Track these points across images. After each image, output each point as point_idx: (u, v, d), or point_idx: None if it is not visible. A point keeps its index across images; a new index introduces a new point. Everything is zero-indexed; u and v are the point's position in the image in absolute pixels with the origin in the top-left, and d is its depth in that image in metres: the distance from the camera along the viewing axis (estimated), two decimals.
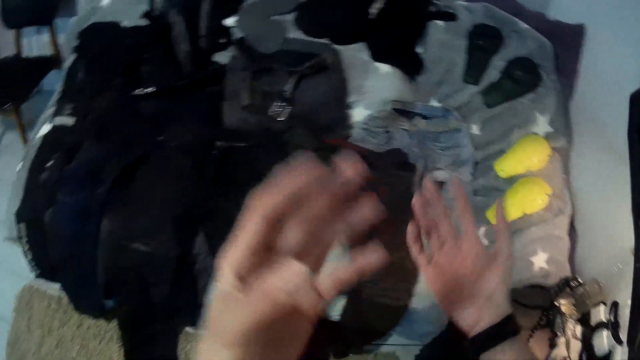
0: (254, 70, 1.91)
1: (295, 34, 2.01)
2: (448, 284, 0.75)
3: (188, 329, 2.04)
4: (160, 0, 2.10)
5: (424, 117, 1.91)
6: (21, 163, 1.96)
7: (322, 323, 1.87)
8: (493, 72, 1.95)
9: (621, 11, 1.74)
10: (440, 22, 2.03)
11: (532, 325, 1.42)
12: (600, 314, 1.46)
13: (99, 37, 2.17)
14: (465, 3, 2.12)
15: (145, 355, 1.84)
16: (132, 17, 2.16)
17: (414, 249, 0.80)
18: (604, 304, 1.48)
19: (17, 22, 2.71)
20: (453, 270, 0.74)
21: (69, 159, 1.84)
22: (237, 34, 2.03)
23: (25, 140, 2.60)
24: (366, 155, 1.80)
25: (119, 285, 1.74)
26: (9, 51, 2.77)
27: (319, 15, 2.01)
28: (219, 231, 1.69)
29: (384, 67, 1.94)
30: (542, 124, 1.87)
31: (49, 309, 2.25)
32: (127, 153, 1.82)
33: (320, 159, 1.61)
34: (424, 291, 1.69)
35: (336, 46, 1.97)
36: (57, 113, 2.00)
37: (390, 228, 1.73)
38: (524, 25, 2.00)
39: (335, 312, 1.82)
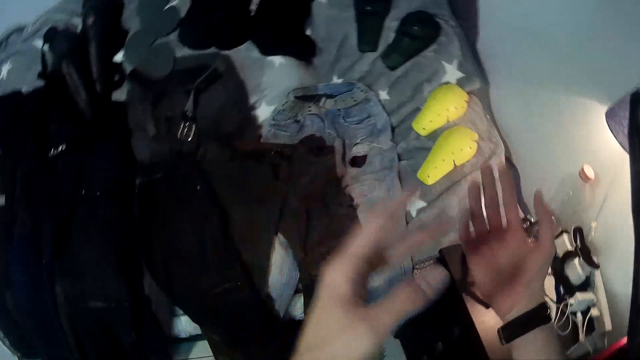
0: (153, 99, 1.86)
1: (182, 51, 1.96)
2: (490, 271, 0.76)
3: None
4: (50, 57, 2.06)
5: (329, 96, 1.85)
6: None
7: (288, 324, 1.78)
8: (389, 34, 1.88)
9: None
10: None
11: None
12: (565, 243, 1.42)
13: (5, 111, 2.13)
14: None
15: None
16: (29, 81, 2.10)
17: (462, 234, 0.79)
18: (566, 232, 1.43)
19: None
20: (496, 259, 0.76)
21: (11, 238, 1.78)
22: (128, 68, 1.98)
23: None
24: (281, 151, 1.73)
25: (90, 344, 1.69)
26: None
27: (199, 27, 1.96)
28: (162, 263, 1.65)
29: (277, 59, 1.88)
30: (451, 72, 1.80)
31: None
32: (56, 216, 1.77)
33: (238, 167, 1.52)
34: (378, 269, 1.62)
35: (225, 52, 1.91)
36: None
37: (323, 219, 1.67)
38: None
39: (298, 311, 1.76)
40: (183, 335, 1.82)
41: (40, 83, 2.06)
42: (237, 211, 1.66)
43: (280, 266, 1.63)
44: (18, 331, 1.76)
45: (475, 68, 1.81)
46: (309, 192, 1.67)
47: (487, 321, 1.33)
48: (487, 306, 1.34)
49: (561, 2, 1.39)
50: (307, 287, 1.66)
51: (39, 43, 2.16)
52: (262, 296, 1.64)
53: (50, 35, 2.13)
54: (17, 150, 2.02)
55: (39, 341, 1.73)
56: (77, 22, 2.17)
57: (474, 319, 1.34)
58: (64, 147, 1.89)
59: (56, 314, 1.66)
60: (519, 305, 0.72)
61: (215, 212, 1.66)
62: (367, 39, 1.88)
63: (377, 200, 1.66)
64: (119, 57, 2.02)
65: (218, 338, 1.75)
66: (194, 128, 1.79)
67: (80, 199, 1.78)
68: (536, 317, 0.71)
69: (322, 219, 1.64)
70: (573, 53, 1.39)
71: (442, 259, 1.48)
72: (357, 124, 1.79)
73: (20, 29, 2.38)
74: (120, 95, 1.96)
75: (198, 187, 1.69)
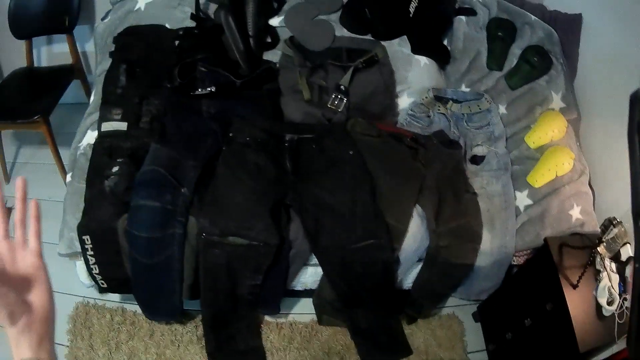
0: (309, 67, 1.98)
1: (340, 32, 2.11)
2: None
3: (268, 318, 2.12)
4: (204, 2, 2.12)
5: (456, 101, 2.08)
6: (70, 174, 1.88)
7: (396, 293, 1.95)
8: (513, 59, 2.16)
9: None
10: (462, 17, 2.21)
11: (584, 263, 1.65)
12: (628, 251, 1.69)
13: (139, 40, 2.12)
14: None
15: (230, 350, 1.88)
16: (172, 20, 2.14)
17: None
18: (629, 244, 1.70)
19: (29, 32, 2.50)
20: None
21: (135, 164, 1.79)
22: (285, 34, 2.09)
23: (56, 151, 2.45)
24: (416, 138, 1.94)
25: (206, 282, 1.75)
26: (18, 62, 2.57)
27: (361, 14, 2.10)
28: (311, 215, 1.77)
29: (423, 59, 2.09)
30: (556, 101, 2.11)
31: (113, 322, 2.08)
32: (199, 151, 1.81)
33: (383, 144, 1.74)
34: (487, 250, 1.87)
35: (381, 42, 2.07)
36: (103, 119, 1.92)
37: (452, 199, 1.91)
38: (533, 17, 2.22)
39: (409, 280, 1.97)
40: (299, 287, 1.94)
41: (189, 23, 2.12)
42: (384, 180, 1.83)
43: (414, 233, 1.83)
44: (115, 261, 1.73)
45: (573, 101, 2.13)
46: (440, 176, 1.89)
47: (575, 300, 1.62)
48: (575, 287, 1.62)
49: None
50: (430, 254, 1.87)
51: None
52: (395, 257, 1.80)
53: None
54: (148, 82, 2.04)
55: (143, 275, 1.73)
56: None
57: (566, 296, 1.61)
58: (213, 89, 1.94)
59: (180, 247, 1.69)
60: None
61: (367, 178, 1.81)
62: (495, 59, 2.16)
63: (494, 193, 1.95)
64: (275, 21, 2.13)
65: (333, 296, 1.89)
66: (345, 101, 1.96)
67: (226, 142, 1.83)
68: None
69: (451, 200, 1.86)
70: None
71: (545, 246, 1.74)
72: (476, 129, 2.05)
73: None
74: (271, 57, 2.07)
75: (351, 153, 1.84)
